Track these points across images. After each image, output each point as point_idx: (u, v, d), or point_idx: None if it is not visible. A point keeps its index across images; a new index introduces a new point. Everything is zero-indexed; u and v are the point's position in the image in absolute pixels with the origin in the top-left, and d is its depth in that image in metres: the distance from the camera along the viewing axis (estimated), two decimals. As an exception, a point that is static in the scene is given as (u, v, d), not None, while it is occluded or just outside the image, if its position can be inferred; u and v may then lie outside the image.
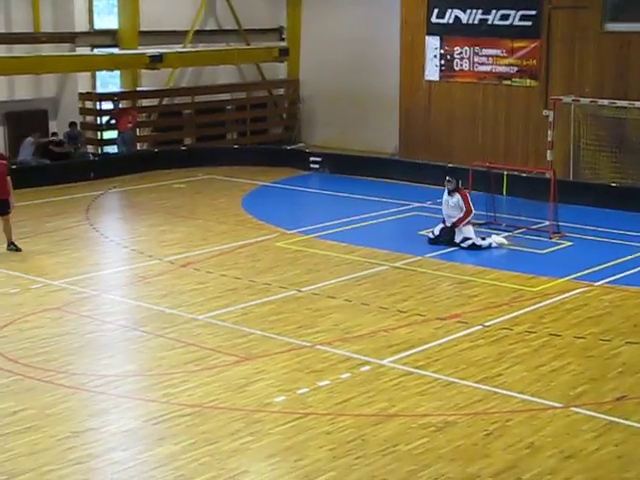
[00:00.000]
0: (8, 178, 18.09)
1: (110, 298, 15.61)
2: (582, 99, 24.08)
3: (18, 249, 18.20)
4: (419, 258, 18.00)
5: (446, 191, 19.13)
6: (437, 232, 18.94)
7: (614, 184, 23.10)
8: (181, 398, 11.54)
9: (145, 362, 12.86)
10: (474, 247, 18.51)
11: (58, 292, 15.79)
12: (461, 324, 14.31)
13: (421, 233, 19.53)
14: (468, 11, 26.56)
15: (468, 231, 18.74)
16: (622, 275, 16.86)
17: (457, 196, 18.87)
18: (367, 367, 12.56)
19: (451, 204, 18.88)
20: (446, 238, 18.76)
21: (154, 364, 12.73)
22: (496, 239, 18.79)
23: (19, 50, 25.80)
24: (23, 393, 11.68)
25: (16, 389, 11.81)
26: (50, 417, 10.99)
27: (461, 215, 18.74)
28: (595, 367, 12.65)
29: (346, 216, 21.29)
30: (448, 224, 18.86)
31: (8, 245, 18.22)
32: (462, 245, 18.57)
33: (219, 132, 30.37)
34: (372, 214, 21.64)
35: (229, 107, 30.72)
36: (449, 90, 27.16)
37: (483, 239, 18.74)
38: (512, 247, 18.68)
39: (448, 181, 19.10)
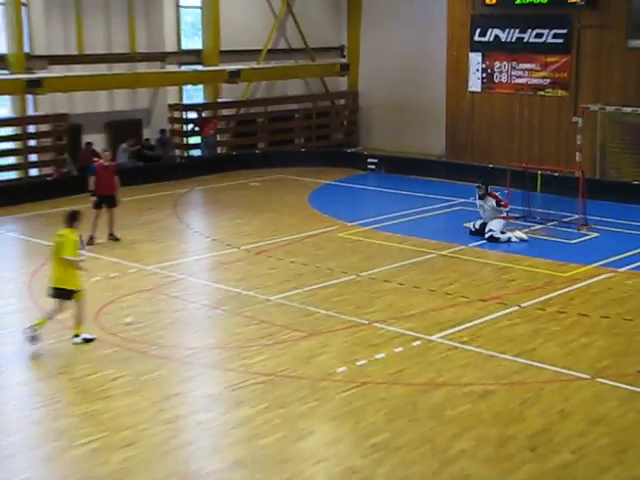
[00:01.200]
0: (116, 177, 18.35)
1: (195, 281, 15.73)
2: (608, 107, 23.70)
3: (117, 239, 18.43)
4: (463, 247, 17.90)
5: (477, 196, 18.92)
6: (477, 226, 18.73)
7: (636, 182, 22.74)
8: (256, 368, 11.61)
9: (225, 336, 12.96)
10: (492, 239, 18.19)
11: (151, 276, 15.96)
12: (500, 305, 14.20)
13: (466, 225, 19.38)
14: (507, 30, 26.27)
15: (496, 224, 18.44)
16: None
17: (490, 200, 18.63)
18: (418, 342, 12.53)
19: (487, 207, 18.62)
20: (483, 232, 18.53)
21: (232, 338, 12.82)
22: (517, 234, 18.42)
23: (118, 68, 26.09)
24: (122, 362, 11.83)
25: (116, 359, 11.97)
26: (145, 383, 11.13)
27: (501, 210, 18.54)
28: (619, 343, 12.49)
29: (399, 210, 21.23)
30: (487, 221, 18.63)
31: (109, 235, 18.45)
32: (486, 237, 18.29)
33: (288, 137, 30.39)
34: (422, 209, 21.55)
35: (297, 115, 30.73)
36: (490, 100, 26.91)
37: (503, 233, 18.39)
38: (542, 237, 18.50)
39: (478, 187, 18.86)
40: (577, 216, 19.54)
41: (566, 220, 19.86)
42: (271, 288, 15.16)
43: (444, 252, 17.53)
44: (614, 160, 23.95)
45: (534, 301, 14.38)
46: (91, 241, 17.91)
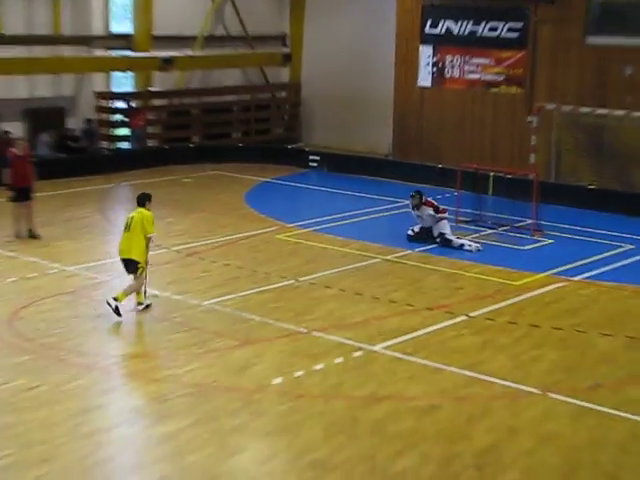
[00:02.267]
0: (31, 167, 18.25)
1: (120, 284, 15.55)
2: (564, 106, 24.02)
3: (37, 236, 18.20)
4: (409, 252, 17.99)
5: (411, 206, 18.83)
6: (417, 229, 18.71)
7: (592, 186, 23.09)
8: (185, 378, 11.53)
9: (152, 344, 12.86)
10: (445, 241, 18.25)
11: (73, 277, 15.77)
12: (448, 314, 14.30)
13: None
14: (459, 22, 26.51)
15: (444, 227, 18.51)
16: (598, 271, 16.86)
17: (427, 209, 18.58)
18: (359, 352, 12.55)
19: (425, 217, 18.58)
20: (424, 236, 18.56)
21: (160, 346, 12.72)
22: (472, 245, 18.18)
23: (39, 51, 25.74)
24: (38, 371, 11.66)
25: (32, 367, 11.79)
26: (63, 393, 10.98)
27: (440, 217, 18.56)
28: (571, 356, 12.65)
29: (342, 212, 21.28)
30: (426, 226, 18.70)
31: (28, 232, 18.23)
32: (437, 240, 18.38)
33: (225, 131, 30.32)
34: (366, 210, 21.64)
35: (234, 108, 30.67)
36: (440, 96, 27.12)
37: (458, 238, 18.47)
38: (493, 243, 18.71)
39: (412, 196, 18.78)
40: (530, 221, 19.77)
41: (519, 225, 20.06)
42: (203, 292, 15.08)
43: (389, 257, 17.61)
44: (570, 163, 24.29)
45: (483, 310, 14.50)
46: (19, 235, 18.11)
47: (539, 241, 19.12)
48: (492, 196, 21.49)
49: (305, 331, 13.38)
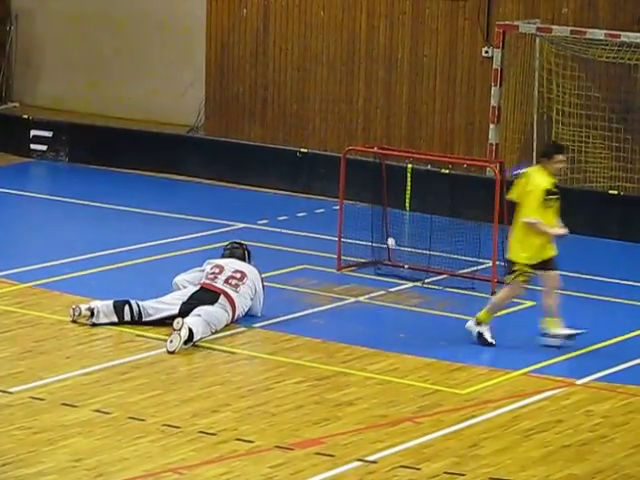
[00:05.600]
0: None
1: None
2: (556, 27, 24.51)
3: None
4: (242, 329, 18.19)
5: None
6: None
7: (614, 191, 23.61)
8: None
9: None
10: None
11: None
12: (322, 458, 14.36)
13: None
14: None
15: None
16: (627, 365, 17.31)
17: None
18: None
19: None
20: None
21: None
22: None
23: None
24: None
25: None
26: None
27: None
28: None
29: (103, 246, 21.40)
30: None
31: None
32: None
33: None
34: (153, 242, 21.76)
35: None
36: (303, 3, 27.41)
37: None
38: (414, 309, 19.02)
39: (230, 249, 18.99)
40: (490, 263, 20.18)
41: (466, 271, 20.49)
42: None
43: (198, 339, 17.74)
44: (569, 143, 24.65)
45: (394, 450, 14.64)
46: None
47: (508, 304, 19.46)
48: (411, 212, 21.75)
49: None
